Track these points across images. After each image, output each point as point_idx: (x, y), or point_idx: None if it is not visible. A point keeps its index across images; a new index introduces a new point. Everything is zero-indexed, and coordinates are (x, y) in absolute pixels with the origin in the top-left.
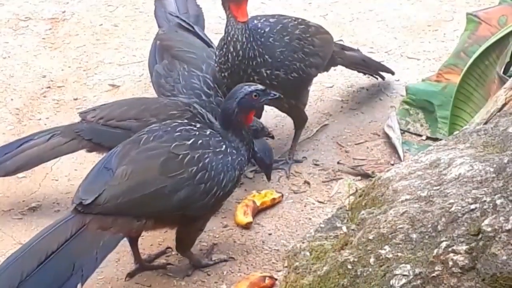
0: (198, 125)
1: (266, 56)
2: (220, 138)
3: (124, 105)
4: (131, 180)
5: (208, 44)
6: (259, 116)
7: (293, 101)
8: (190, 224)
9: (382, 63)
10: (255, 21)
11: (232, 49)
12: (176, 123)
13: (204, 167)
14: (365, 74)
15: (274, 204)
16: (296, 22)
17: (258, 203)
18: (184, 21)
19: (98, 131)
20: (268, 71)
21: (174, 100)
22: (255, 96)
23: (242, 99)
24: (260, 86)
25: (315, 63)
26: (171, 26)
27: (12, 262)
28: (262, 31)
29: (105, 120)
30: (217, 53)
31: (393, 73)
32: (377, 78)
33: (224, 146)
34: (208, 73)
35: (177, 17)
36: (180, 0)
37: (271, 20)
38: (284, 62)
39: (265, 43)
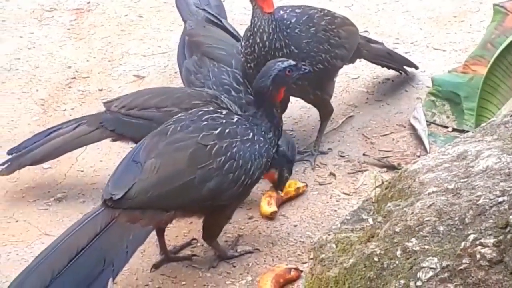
0: (224, 112)
1: (292, 47)
2: (247, 125)
3: (146, 93)
4: (160, 174)
5: (237, 38)
6: (285, 108)
7: (318, 92)
8: (218, 213)
9: (406, 55)
10: (281, 12)
11: (258, 40)
12: (202, 111)
13: (232, 156)
14: (389, 68)
15: (298, 194)
16: (322, 13)
17: (281, 194)
18: (212, 14)
19: (120, 122)
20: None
21: (199, 90)
22: (289, 71)
23: (276, 75)
24: (292, 62)
25: (341, 54)
26: (199, 21)
27: (43, 259)
28: (288, 22)
29: (127, 109)
30: (243, 43)
31: (417, 68)
32: (400, 73)
33: (251, 134)
34: (238, 68)
35: (203, 10)
36: None
37: (297, 10)
38: (309, 53)
39: (291, 34)
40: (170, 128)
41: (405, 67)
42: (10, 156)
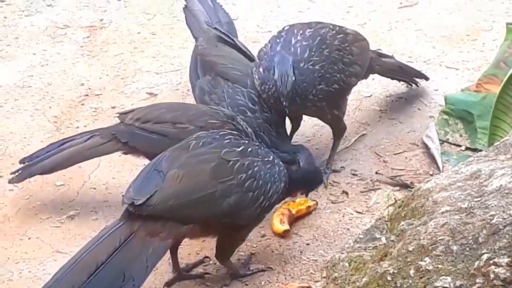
0: (245, 137)
1: (305, 84)
2: (267, 149)
3: (161, 108)
4: (183, 183)
5: (251, 58)
6: (297, 126)
7: (335, 111)
8: (233, 233)
9: (414, 68)
10: (293, 41)
11: (273, 98)
12: (225, 132)
13: (253, 175)
14: (399, 81)
15: (309, 212)
16: (334, 32)
17: (293, 211)
18: (223, 32)
19: (134, 135)
20: (311, 92)
21: (215, 109)
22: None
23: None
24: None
25: (355, 72)
26: (210, 39)
27: (62, 276)
28: (300, 58)
29: (142, 122)
30: (256, 76)
31: (427, 79)
32: (411, 85)
33: (271, 157)
34: (253, 88)
35: (215, 28)
36: (209, 8)
37: (308, 32)
38: (325, 76)
39: (304, 69)
40: (192, 143)
41: (416, 78)
42: (22, 165)
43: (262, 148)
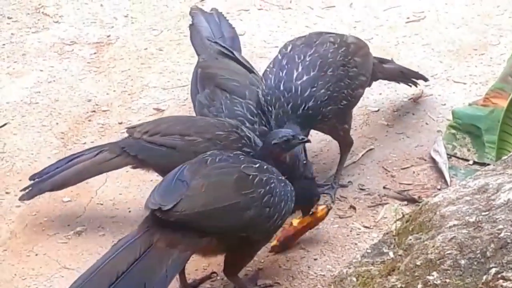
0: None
1: (312, 111)
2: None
3: (169, 120)
4: (208, 193)
5: (250, 70)
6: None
7: (346, 126)
8: (245, 249)
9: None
10: (294, 73)
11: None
12: (238, 153)
13: (270, 191)
14: (399, 83)
15: (318, 218)
16: (335, 46)
17: (294, 223)
18: (224, 47)
19: (143, 148)
20: (321, 115)
21: (222, 120)
22: (286, 140)
23: (274, 144)
24: (290, 132)
25: (361, 83)
26: (211, 54)
27: (83, 284)
28: (301, 87)
29: (150, 135)
30: (264, 92)
31: (426, 79)
32: (410, 86)
33: (283, 176)
34: (252, 99)
35: (215, 42)
36: (213, 23)
37: (308, 55)
38: (332, 95)
39: (308, 97)
40: (208, 159)
41: (415, 79)
42: (31, 182)
43: (274, 168)
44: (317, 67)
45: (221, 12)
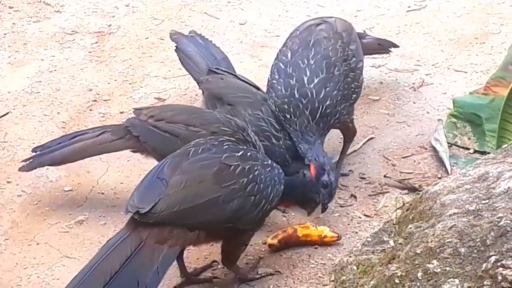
0: (245, 145)
1: (329, 109)
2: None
3: (176, 108)
4: (187, 190)
5: (256, 87)
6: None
7: (352, 117)
8: (236, 238)
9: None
10: (304, 79)
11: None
12: (223, 139)
13: (254, 179)
14: (373, 54)
15: (324, 242)
16: (332, 42)
17: (299, 233)
18: (224, 70)
19: (147, 130)
20: (336, 116)
21: (229, 118)
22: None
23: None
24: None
25: (361, 70)
26: (215, 76)
27: (77, 285)
28: (317, 91)
29: (155, 119)
30: (276, 100)
31: (396, 46)
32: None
33: (270, 160)
34: (270, 115)
35: (216, 69)
36: (200, 46)
37: (311, 58)
38: (344, 93)
39: (323, 100)
40: (191, 150)
41: (389, 48)
42: (33, 154)
43: (260, 152)
44: (324, 69)
45: (201, 34)
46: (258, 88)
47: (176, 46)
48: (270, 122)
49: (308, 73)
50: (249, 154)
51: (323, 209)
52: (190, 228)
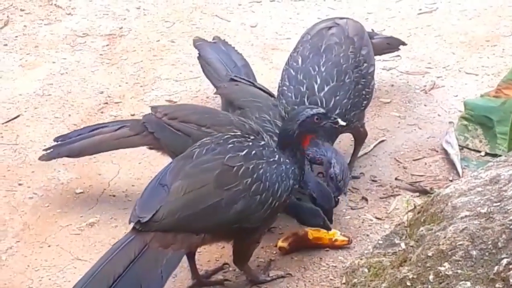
0: (251, 137)
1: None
2: (274, 149)
3: (189, 108)
4: (187, 195)
5: (270, 94)
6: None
7: (364, 122)
8: (247, 237)
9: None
10: (315, 87)
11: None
12: (229, 135)
13: (259, 178)
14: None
15: (334, 245)
16: (343, 48)
17: (310, 236)
18: (243, 78)
19: (162, 127)
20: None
21: (243, 121)
22: (317, 119)
23: (303, 121)
24: (321, 110)
25: (372, 74)
26: (231, 82)
27: None
28: (327, 100)
29: (169, 118)
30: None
31: (404, 44)
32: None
33: (277, 156)
34: (277, 118)
35: (235, 77)
36: (222, 53)
37: (322, 65)
38: (354, 101)
39: (333, 109)
40: (196, 151)
41: (398, 46)
42: (54, 143)
43: (267, 148)
44: (335, 77)
45: (225, 40)
46: (272, 96)
47: (199, 54)
48: (276, 123)
49: (318, 81)
50: (253, 152)
51: (335, 203)
52: (195, 232)
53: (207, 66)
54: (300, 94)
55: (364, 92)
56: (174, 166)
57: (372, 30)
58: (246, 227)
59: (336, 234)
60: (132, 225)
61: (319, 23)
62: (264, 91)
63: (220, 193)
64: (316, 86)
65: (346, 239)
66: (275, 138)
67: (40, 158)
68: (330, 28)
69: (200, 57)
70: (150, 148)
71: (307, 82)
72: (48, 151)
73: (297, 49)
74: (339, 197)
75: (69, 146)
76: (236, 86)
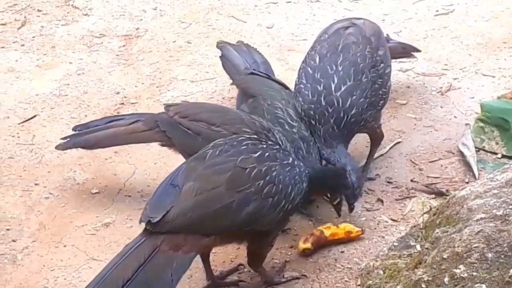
0: (265, 139)
1: (354, 118)
2: (288, 151)
3: (201, 107)
4: (199, 197)
5: (286, 86)
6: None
7: (380, 123)
8: (260, 240)
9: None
10: (332, 85)
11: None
12: (243, 137)
13: (272, 180)
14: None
15: (350, 237)
16: (360, 47)
17: (326, 234)
18: (261, 72)
19: (173, 125)
20: (362, 123)
21: (254, 119)
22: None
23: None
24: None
25: (388, 75)
26: (248, 74)
27: None
28: (343, 100)
29: (180, 116)
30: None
31: (419, 50)
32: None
33: (291, 159)
34: (289, 107)
35: (253, 70)
36: (243, 52)
37: (339, 63)
38: (371, 101)
39: (349, 109)
40: (209, 152)
41: (412, 52)
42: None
43: (281, 151)
44: (352, 76)
45: (248, 43)
46: (287, 88)
47: (221, 54)
48: (287, 111)
49: (335, 80)
50: (267, 154)
51: (350, 210)
52: (205, 234)
53: (227, 63)
54: (317, 93)
55: (380, 92)
56: (186, 167)
57: (387, 35)
58: (259, 230)
59: (348, 226)
60: (143, 226)
61: (336, 23)
62: (279, 83)
63: (232, 195)
64: (333, 86)
65: (359, 229)
66: (286, 127)
67: (57, 147)
68: (347, 27)
69: (221, 57)
70: (162, 145)
71: (324, 81)
72: (65, 140)
73: (314, 47)
74: (354, 205)
75: (86, 136)
76: (252, 77)
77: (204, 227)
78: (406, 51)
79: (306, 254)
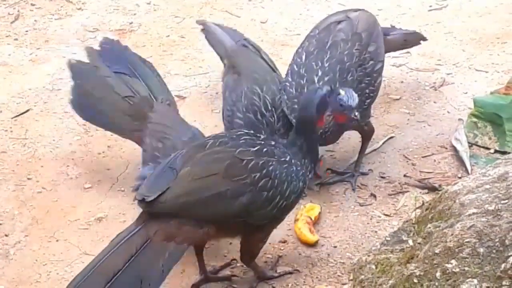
0: (262, 137)
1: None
2: (285, 149)
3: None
4: (195, 181)
5: (273, 69)
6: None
7: (368, 119)
8: (252, 235)
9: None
10: (315, 78)
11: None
12: (242, 132)
13: (268, 174)
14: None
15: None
16: (349, 45)
17: (312, 217)
18: (252, 45)
19: None
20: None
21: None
22: (328, 96)
23: (319, 103)
24: (327, 87)
25: (379, 72)
26: (239, 44)
27: (80, 282)
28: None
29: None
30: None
31: (425, 39)
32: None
33: (288, 157)
34: (268, 94)
35: (244, 40)
36: (225, 29)
37: (325, 61)
38: (360, 100)
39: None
40: (209, 142)
41: (418, 41)
42: None
43: (279, 148)
44: (337, 73)
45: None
46: (274, 70)
47: (203, 28)
48: (265, 99)
49: (319, 74)
50: (265, 149)
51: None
52: (199, 223)
53: (212, 37)
54: (300, 86)
55: (367, 91)
56: (186, 152)
57: (392, 26)
58: (251, 224)
59: (314, 206)
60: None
61: (331, 16)
62: (268, 64)
63: (227, 183)
64: (316, 78)
65: (318, 205)
66: (258, 116)
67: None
68: (339, 23)
69: (204, 30)
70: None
71: (307, 76)
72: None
73: (303, 45)
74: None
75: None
76: (245, 50)
77: (197, 212)
78: (408, 42)
79: (312, 245)
